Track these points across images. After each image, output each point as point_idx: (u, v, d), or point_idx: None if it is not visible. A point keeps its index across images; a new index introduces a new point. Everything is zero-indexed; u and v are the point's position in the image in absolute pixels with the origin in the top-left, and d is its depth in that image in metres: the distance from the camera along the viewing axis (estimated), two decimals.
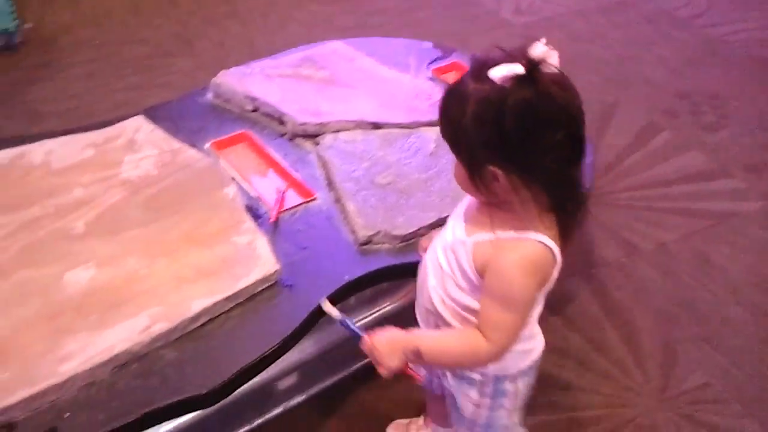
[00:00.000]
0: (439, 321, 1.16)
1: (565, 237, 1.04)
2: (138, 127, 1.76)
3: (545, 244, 1.01)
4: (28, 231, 1.45)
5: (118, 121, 1.81)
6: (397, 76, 2.05)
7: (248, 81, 1.95)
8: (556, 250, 1.02)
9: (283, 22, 3.33)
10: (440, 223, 1.36)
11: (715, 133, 2.65)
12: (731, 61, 3.10)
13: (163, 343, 1.27)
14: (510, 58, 0.92)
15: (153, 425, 1.20)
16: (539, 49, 0.92)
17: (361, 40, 2.26)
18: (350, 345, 1.19)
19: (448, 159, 1.23)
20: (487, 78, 0.93)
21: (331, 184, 1.66)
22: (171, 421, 1.34)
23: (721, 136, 2.63)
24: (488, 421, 1.25)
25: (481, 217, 1.07)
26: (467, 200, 1.12)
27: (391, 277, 1.53)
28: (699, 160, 2.50)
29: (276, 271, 1.40)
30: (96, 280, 1.35)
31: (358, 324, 1.22)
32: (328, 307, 1.26)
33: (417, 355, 1.08)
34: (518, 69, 0.91)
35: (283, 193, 1.63)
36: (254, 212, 1.57)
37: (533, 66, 0.91)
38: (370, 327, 1.15)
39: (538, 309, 1.15)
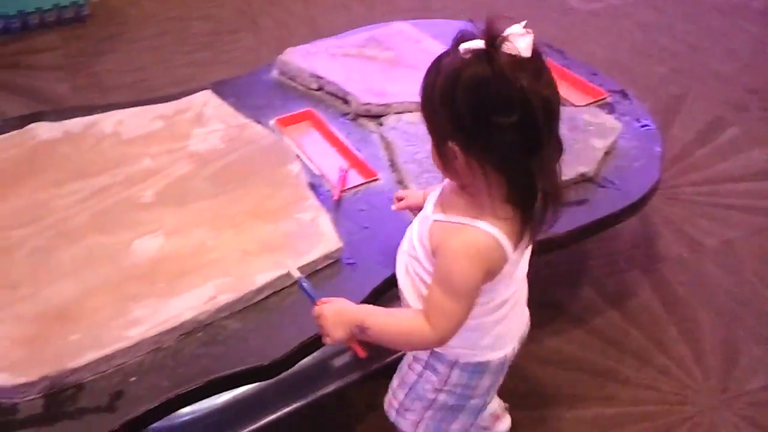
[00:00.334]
0: (401, 293, 1.16)
1: (530, 231, 1.02)
2: (206, 101, 1.78)
3: (492, 235, 0.99)
4: (99, 198, 1.49)
5: (186, 95, 1.83)
6: None
7: (314, 59, 1.95)
8: (505, 242, 1.00)
9: (345, 1, 3.32)
10: None
11: None
12: None
13: (227, 313, 1.29)
14: (477, 33, 0.91)
15: (215, 393, 1.23)
16: (513, 29, 0.90)
17: (426, 22, 2.24)
18: None
19: None
20: (457, 51, 0.92)
21: (393, 165, 1.66)
22: (229, 391, 1.37)
23: None
24: (414, 386, 1.23)
25: (450, 197, 1.06)
26: None
27: None
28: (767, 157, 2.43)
29: (339, 249, 1.41)
30: (164, 248, 1.37)
31: None
32: (292, 269, 1.24)
33: (362, 330, 1.08)
34: (479, 44, 0.90)
35: (346, 172, 1.64)
36: (317, 190, 1.57)
37: (492, 43, 0.90)
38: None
39: (498, 313, 1.12)
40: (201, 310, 1.26)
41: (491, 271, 1.03)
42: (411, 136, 1.71)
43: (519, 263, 1.11)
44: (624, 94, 1.92)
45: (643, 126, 1.82)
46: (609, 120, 1.76)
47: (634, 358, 1.77)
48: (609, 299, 1.92)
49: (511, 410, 1.51)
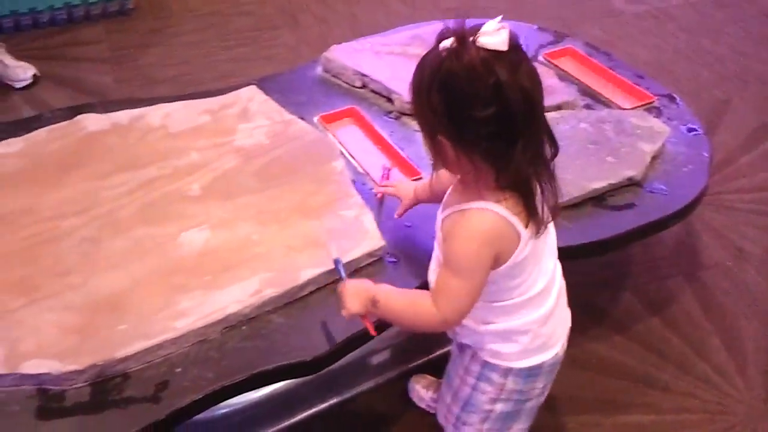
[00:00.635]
0: None
1: (532, 216, 1.03)
2: (251, 96, 1.80)
3: (497, 213, 1.00)
4: (146, 190, 1.50)
5: (230, 90, 1.85)
6: None
7: (358, 57, 1.96)
8: (512, 218, 1.01)
9: (385, 0, 3.32)
10: None
11: None
12: None
13: (271, 307, 1.29)
14: (453, 31, 0.94)
15: (259, 387, 1.24)
16: (488, 25, 0.93)
17: (469, 21, 2.23)
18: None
19: None
20: (437, 49, 0.96)
21: None
22: (269, 386, 1.38)
23: None
24: (469, 399, 1.24)
25: (451, 195, 1.10)
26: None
27: None
28: None
29: (381, 247, 1.41)
30: (210, 241, 1.39)
31: None
32: (331, 247, 1.27)
33: (374, 304, 1.11)
34: (452, 42, 0.94)
35: (389, 170, 1.63)
36: (360, 187, 1.57)
37: (461, 40, 0.93)
38: None
39: (539, 311, 1.12)
40: (246, 303, 1.27)
41: (502, 249, 1.03)
42: None
43: (542, 252, 1.11)
44: (671, 98, 1.89)
45: (690, 130, 1.79)
46: (657, 124, 1.74)
47: (675, 366, 1.75)
48: (650, 305, 1.89)
49: (551, 415, 1.50)
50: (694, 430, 1.61)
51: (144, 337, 1.21)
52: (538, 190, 1.02)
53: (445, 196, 1.13)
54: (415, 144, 1.72)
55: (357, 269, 1.38)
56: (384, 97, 1.86)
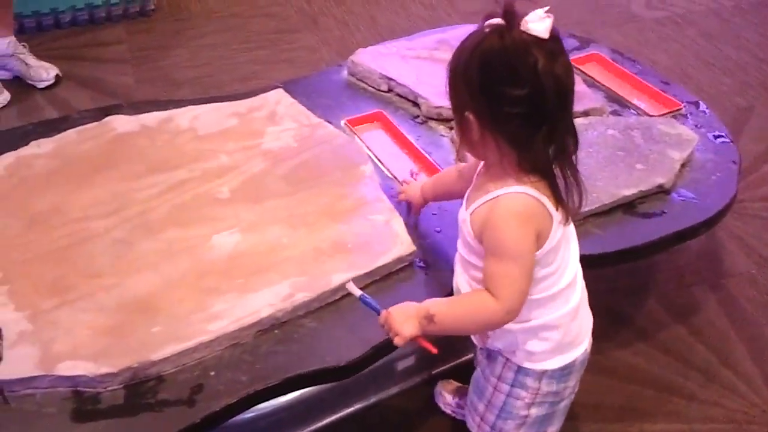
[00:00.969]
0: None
1: (560, 201, 1.05)
2: (278, 99, 1.80)
3: (529, 194, 1.03)
4: (177, 192, 1.51)
5: (254, 93, 1.85)
6: None
7: (384, 61, 1.96)
8: (543, 198, 1.03)
9: (405, 3, 3.32)
10: None
11: None
12: None
13: (304, 312, 1.30)
14: (501, 12, 0.97)
15: (292, 391, 1.24)
16: (535, 12, 0.96)
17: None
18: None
19: None
20: (481, 27, 0.99)
21: None
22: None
23: None
24: (504, 407, 1.23)
25: (473, 192, 1.11)
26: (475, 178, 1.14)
27: None
28: None
29: (412, 252, 1.41)
30: (241, 244, 1.39)
31: None
32: (351, 287, 1.24)
33: (430, 320, 1.09)
34: (499, 21, 0.97)
35: (417, 175, 1.63)
36: (388, 192, 1.57)
37: (509, 19, 0.96)
38: None
39: (568, 305, 1.14)
40: (279, 307, 1.27)
41: (540, 229, 1.04)
42: None
43: (569, 241, 1.12)
44: (696, 105, 1.89)
45: (717, 137, 1.78)
46: (685, 131, 1.73)
47: (700, 374, 1.74)
48: (675, 313, 1.89)
49: (576, 422, 1.49)
50: None
51: (178, 340, 1.21)
52: (562, 182, 1.04)
53: (468, 192, 1.14)
54: (441, 149, 1.72)
55: (387, 275, 1.39)
56: (410, 101, 1.86)
